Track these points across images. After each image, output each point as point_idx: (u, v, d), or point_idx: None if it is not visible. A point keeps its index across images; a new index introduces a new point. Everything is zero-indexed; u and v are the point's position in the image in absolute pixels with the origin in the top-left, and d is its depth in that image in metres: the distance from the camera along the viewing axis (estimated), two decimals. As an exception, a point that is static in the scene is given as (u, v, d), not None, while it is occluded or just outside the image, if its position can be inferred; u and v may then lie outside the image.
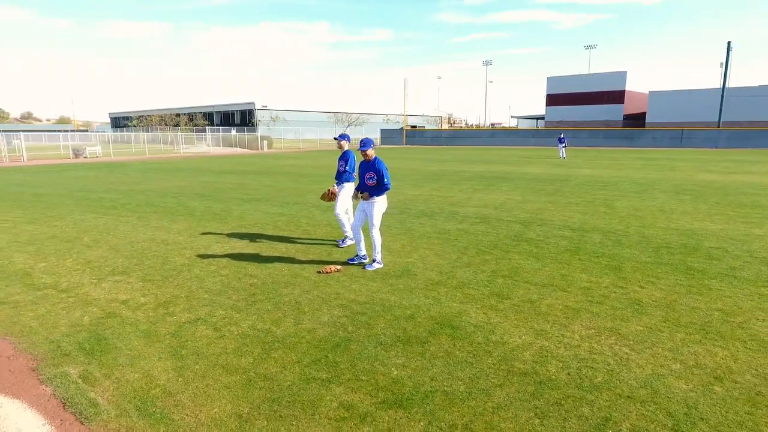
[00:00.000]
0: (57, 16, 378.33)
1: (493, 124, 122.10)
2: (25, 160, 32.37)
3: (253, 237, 8.62)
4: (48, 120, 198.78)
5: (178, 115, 71.66)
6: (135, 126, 67.95)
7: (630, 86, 68.46)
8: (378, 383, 3.60)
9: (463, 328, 4.62)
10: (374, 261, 6.68)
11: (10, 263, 6.99)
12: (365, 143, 6.58)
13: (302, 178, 19.30)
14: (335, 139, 8.23)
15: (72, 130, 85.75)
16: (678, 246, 7.74)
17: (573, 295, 5.52)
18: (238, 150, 47.57)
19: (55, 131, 70.61)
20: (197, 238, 8.49)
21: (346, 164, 7.77)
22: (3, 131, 38.97)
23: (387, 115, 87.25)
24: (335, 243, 8.12)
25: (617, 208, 11.44)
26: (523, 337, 4.40)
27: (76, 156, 35.60)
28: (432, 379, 3.66)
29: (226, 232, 9.07)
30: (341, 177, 7.85)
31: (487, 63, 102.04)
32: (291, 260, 7.06)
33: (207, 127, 59.09)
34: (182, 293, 5.64)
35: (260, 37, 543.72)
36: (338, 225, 8.66)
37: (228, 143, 51.85)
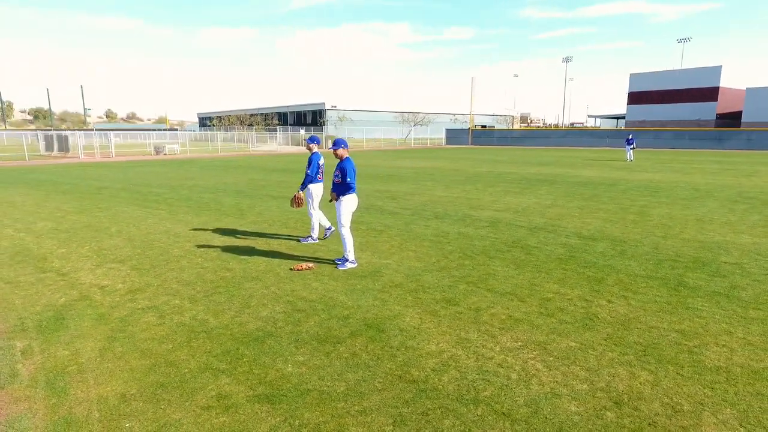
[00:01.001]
0: (161, 26, 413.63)
1: (572, 124, 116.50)
2: (113, 156, 35.94)
3: (257, 233, 9.05)
4: (149, 120, 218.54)
5: (251, 115, 75.79)
6: (215, 125, 72.84)
7: (725, 82, 62.25)
8: (265, 378, 3.74)
9: (388, 331, 4.62)
10: (346, 260, 6.78)
11: (39, 248, 7.92)
12: (336, 143, 6.73)
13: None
14: (305, 141, 8.44)
15: (163, 129, 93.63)
16: (688, 259, 7.07)
17: (527, 305, 5.28)
18: (302, 149, 49.38)
19: (146, 130, 77.45)
20: (206, 232, 9.08)
21: (309, 166, 7.98)
22: (98, 130, 43.39)
23: (455, 114, 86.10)
24: (324, 237, 8.32)
25: (650, 216, 10.60)
26: (441, 345, 4.32)
27: (157, 153, 38.90)
28: (319, 379, 3.73)
29: (237, 227, 9.59)
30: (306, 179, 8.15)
31: (567, 60, 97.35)
32: (275, 256, 7.35)
33: (278, 127, 61.95)
34: (157, 282, 6.11)
35: (342, 39, 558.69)
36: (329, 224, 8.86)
37: (296, 142, 54.01)
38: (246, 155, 39.40)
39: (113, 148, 37.10)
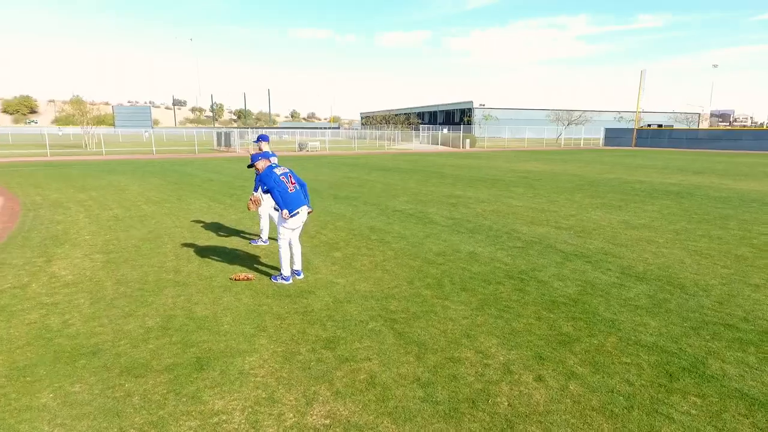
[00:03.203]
0: (346, 33, 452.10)
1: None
2: (264, 151, 40.03)
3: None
4: (324, 119, 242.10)
5: (396, 114, 77.77)
6: (364, 125, 76.74)
7: None
8: (8, 405, 3.33)
9: (208, 371, 3.85)
10: (279, 274, 6.08)
11: (74, 233, 8.85)
12: (253, 158, 6.16)
13: (435, 178, 18.61)
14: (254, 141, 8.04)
15: (326, 128, 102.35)
16: (755, 328, 4.69)
17: (417, 365, 3.96)
18: (439, 148, 48.80)
19: (313, 128, 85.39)
20: (221, 229, 9.18)
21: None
22: (281, 128, 48.63)
23: (620, 112, 76.02)
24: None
25: (773, 253, 7.53)
26: (231, 403, 3.40)
27: (300, 149, 42.25)
28: (29, 420, 3.18)
29: (255, 228, 9.51)
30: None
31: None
32: (241, 260, 6.98)
33: (420, 126, 62.47)
34: (100, 278, 6.22)
35: (516, 36, 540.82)
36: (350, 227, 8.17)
37: (435, 141, 53.68)
38: (377, 153, 40.34)
39: (264, 144, 41.46)
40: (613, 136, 57.55)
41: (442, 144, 51.57)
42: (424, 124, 71.67)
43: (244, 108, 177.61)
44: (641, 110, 57.33)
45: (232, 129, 49.07)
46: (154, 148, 37.66)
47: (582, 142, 59.05)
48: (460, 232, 8.98)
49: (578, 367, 3.92)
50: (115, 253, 7.47)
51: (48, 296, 5.53)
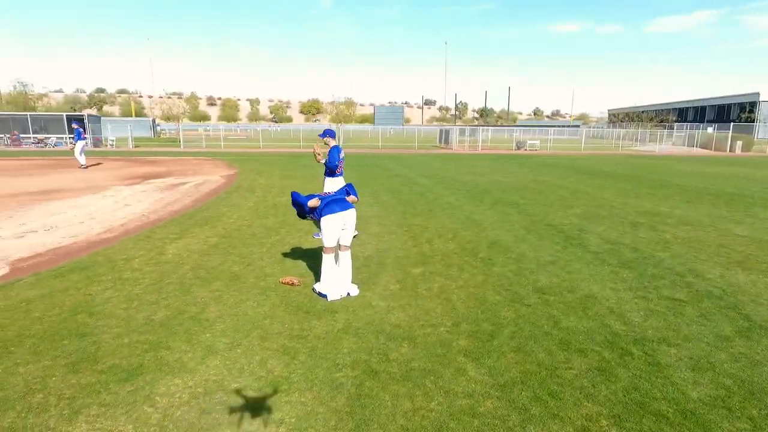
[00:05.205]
0: (609, 24, 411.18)
1: None
2: (479, 149, 39.45)
3: (369, 236, 8.28)
4: (570, 116, 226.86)
5: (644, 111, 65.86)
6: (610, 123, 67.92)
7: None
8: (-41, 374, 3.63)
9: (129, 383, 3.51)
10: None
11: (228, 216, 9.93)
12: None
13: (647, 188, 14.75)
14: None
15: (563, 126, 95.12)
16: None
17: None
18: (693, 151, 39.52)
19: (546, 126, 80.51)
20: (340, 227, 9.00)
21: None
22: (518, 126, 48.03)
23: None
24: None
25: None
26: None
27: (518, 148, 40.04)
28: (-39, 398, 3.31)
29: (379, 227, 9.05)
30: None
31: None
32: (313, 262, 6.59)
33: (675, 124, 51.96)
34: (188, 261, 6.66)
35: None
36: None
37: (691, 143, 43.76)
38: (606, 154, 35.10)
39: (480, 142, 40.78)
40: None
41: (701, 146, 41.73)
42: (686, 122, 59.39)
43: (485, 107, 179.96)
44: None
45: (452, 127, 49.93)
46: (380, 143, 41.15)
47: None
48: (603, 264, 6.67)
49: None
50: (228, 238, 8.02)
51: (130, 272, 6.16)
